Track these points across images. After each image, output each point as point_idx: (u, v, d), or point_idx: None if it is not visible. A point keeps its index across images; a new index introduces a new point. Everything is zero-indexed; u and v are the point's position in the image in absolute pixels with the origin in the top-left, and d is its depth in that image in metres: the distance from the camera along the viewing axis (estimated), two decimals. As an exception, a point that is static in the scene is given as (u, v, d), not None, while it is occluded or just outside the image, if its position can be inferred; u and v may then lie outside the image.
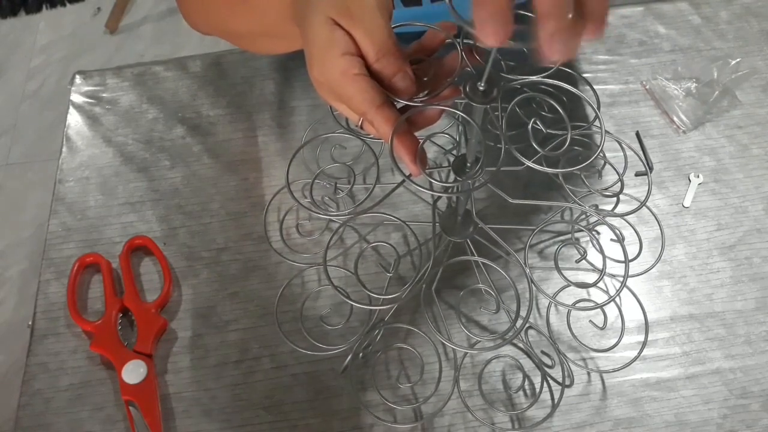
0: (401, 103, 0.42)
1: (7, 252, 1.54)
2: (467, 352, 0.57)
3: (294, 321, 0.59)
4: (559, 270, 0.52)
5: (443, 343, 0.57)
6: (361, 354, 0.57)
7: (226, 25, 0.58)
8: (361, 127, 0.42)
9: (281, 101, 0.74)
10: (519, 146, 0.43)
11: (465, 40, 0.44)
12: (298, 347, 0.57)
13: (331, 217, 0.64)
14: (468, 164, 0.47)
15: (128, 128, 0.73)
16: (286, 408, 0.57)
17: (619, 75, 0.74)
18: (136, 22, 1.96)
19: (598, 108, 0.54)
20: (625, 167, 0.61)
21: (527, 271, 0.50)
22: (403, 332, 0.58)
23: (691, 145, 0.69)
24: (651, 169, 0.67)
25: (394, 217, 0.54)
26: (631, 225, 0.62)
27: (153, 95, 0.75)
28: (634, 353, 0.56)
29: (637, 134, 0.70)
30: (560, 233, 0.63)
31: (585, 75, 0.74)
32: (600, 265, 0.59)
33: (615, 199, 0.63)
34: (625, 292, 0.60)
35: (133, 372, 0.57)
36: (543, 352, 0.57)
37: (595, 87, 0.72)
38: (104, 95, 0.75)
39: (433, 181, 0.43)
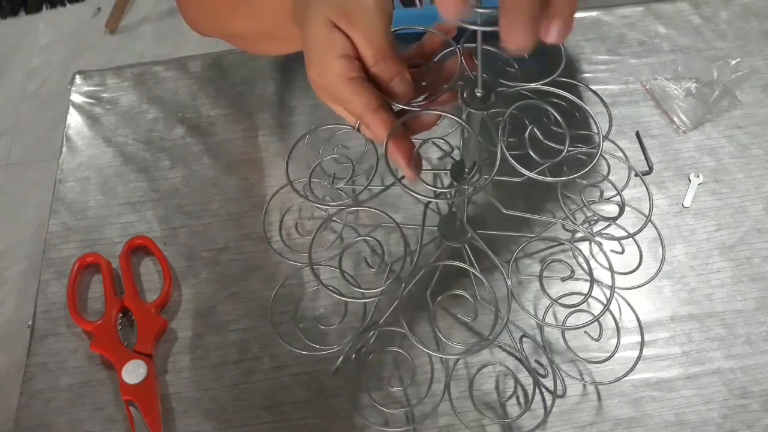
0: (399, 107, 0.42)
1: (7, 252, 1.54)
2: (459, 358, 0.57)
3: (298, 320, 0.59)
4: (543, 289, 0.52)
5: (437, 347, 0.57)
6: (354, 355, 0.57)
7: (227, 26, 0.58)
8: (359, 130, 0.42)
9: (281, 101, 0.74)
10: (521, 153, 0.42)
11: (465, 45, 0.44)
12: (294, 348, 0.57)
13: (322, 206, 0.64)
14: (466, 170, 0.47)
15: (128, 128, 0.73)
16: (286, 408, 0.57)
17: (619, 75, 0.74)
18: (136, 22, 1.96)
19: (609, 123, 0.53)
20: (626, 182, 0.61)
21: (508, 283, 0.50)
22: (398, 335, 0.58)
23: (691, 145, 0.69)
24: (651, 169, 0.67)
25: (390, 217, 0.53)
26: (630, 234, 0.62)
27: (153, 95, 0.75)
28: (634, 353, 0.56)
29: (637, 134, 0.70)
30: (560, 242, 0.63)
31: (585, 75, 0.74)
32: (601, 275, 0.59)
33: (615, 199, 0.63)
34: (623, 301, 0.59)
35: (133, 372, 0.57)
36: (537, 362, 0.56)
37: (595, 87, 0.73)
38: (104, 95, 0.75)
39: (427, 185, 0.42)
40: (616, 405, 0.55)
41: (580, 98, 0.45)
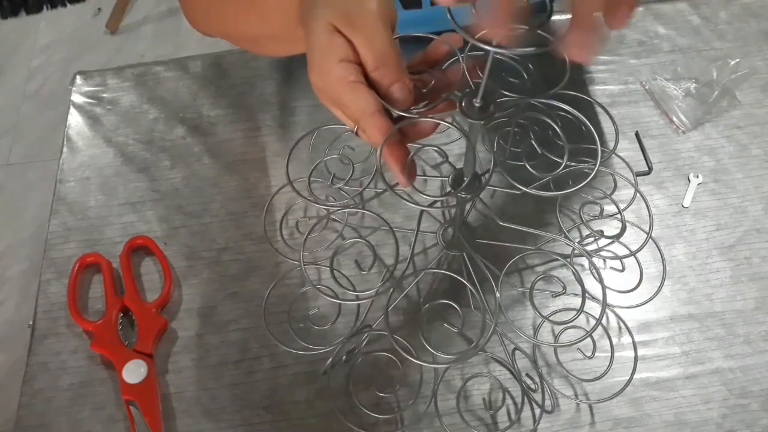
0: (398, 113, 0.41)
1: (7, 252, 1.54)
2: (447, 367, 0.57)
3: (296, 320, 0.59)
4: (533, 304, 0.52)
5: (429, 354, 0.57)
6: (344, 357, 0.57)
7: (232, 28, 0.58)
8: (357, 134, 0.42)
9: (282, 101, 0.74)
10: (522, 164, 0.42)
11: (470, 53, 0.43)
12: (289, 347, 0.57)
13: (319, 205, 0.64)
14: (465, 179, 0.47)
15: (129, 128, 0.73)
16: (286, 408, 0.57)
17: (618, 75, 0.74)
18: (137, 23, 1.96)
19: (616, 139, 0.53)
20: (631, 201, 0.61)
21: (497, 296, 0.49)
22: (390, 339, 0.58)
23: (691, 145, 0.69)
24: (651, 169, 0.67)
25: (385, 221, 0.53)
26: (629, 250, 0.62)
27: (154, 95, 0.75)
28: (630, 363, 0.56)
29: (637, 134, 0.70)
30: (558, 257, 0.62)
31: (585, 75, 0.74)
32: (598, 291, 0.59)
33: (618, 212, 0.63)
34: (620, 319, 0.59)
35: (134, 372, 0.57)
36: (527, 375, 0.56)
37: (594, 87, 0.73)
38: (105, 95, 0.75)
39: (421, 193, 0.42)
40: (615, 405, 0.56)
41: (588, 108, 0.45)
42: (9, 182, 1.67)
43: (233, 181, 0.69)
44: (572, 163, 0.48)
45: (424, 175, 0.67)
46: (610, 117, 0.51)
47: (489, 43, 0.33)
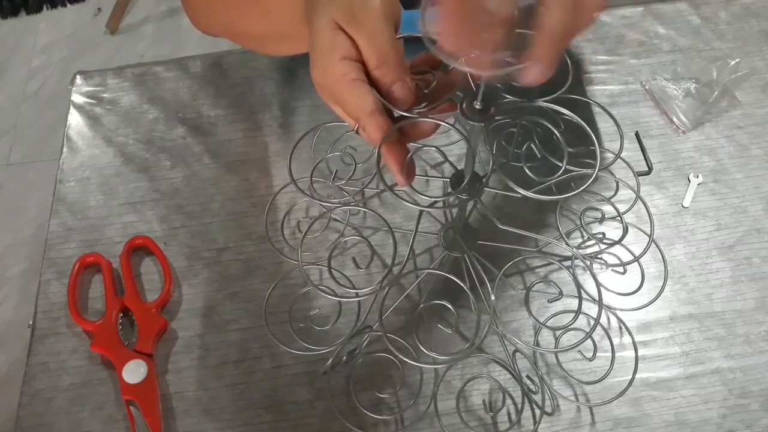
0: (399, 113, 0.41)
1: (7, 252, 1.54)
2: (448, 367, 0.57)
3: (297, 320, 0.59)
4: (528, 309, 0.52)
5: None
6: (344, 358, 0.57)
7: (236, 26, 0.58)
8: (357, 132, 0.42)
9: (282, 101, 0.74)
10: (523, 166, 0.42)
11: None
12: (289, 348, 0.57)
13: (320, 202, 0.64)
14: (465, 180, 0.47)
15: (129, 128, 0.73)
16: (287, 408, 0.57)
17: (618, 75, 0.74)
18: (137, 23, 1.96)
19: (621, 144, 0.53)
20: (632, 205, 0.61)
21: (492, 298, 0.49)
22: (392, 340, 0.58)
23: (691, 145, 0.69)
24: (651, 169, 0.67)
25: (385, 221, 0.53)
26: (632, 253, 0.62)
27: (153, 95, 0.75)
28: (630, 364, 0.56)
29: (637, 134, 0.70)
30: (559, 259, 0.62)
31: (585, 75, 0.74)
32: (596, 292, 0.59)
33: (616, 216, 0.63)
34: (625, 318, 0.59)
35: (134, 372, 0.57)
36: (528, 377, 0.56)
37: (594, 87, 0.73)
38: (105, 95, 0.75)
39: (420, 194, 0.42)
40: (615, 405, 0.56)
41: (587, 108, 0.45)
42: (9, 182, 1.67)
43: (233, 181, 0.69)
44: (572, 168, 0.48)
45: (426, 175, 0.67)
46: (614, 120, 0.50)
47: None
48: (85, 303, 0.62)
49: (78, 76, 0.77)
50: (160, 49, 1.88)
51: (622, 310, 0.59)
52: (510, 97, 0.46)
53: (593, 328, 0.48)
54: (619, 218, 0.61)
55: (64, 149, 0.72)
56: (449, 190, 0.48)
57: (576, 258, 0.61)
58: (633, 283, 0.60)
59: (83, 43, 1.93)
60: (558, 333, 0.58)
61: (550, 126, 0.44)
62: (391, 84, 0.40)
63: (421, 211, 0.58)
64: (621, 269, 0.61)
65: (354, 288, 0.60)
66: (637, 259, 0.59)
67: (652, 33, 0.78)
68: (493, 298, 0.49)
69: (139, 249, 0.65)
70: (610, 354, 0.57)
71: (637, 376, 0.56)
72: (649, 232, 0.58)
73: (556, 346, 0.57)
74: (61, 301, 0.62)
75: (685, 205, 0.66)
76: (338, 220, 0.65)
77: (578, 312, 0.48)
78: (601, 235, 0.61)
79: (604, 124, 0.69)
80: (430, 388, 0.56)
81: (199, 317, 0.61)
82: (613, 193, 0.65)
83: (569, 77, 0.44)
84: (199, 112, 0.74)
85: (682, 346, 0.58)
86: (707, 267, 0.62)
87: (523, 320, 0.60)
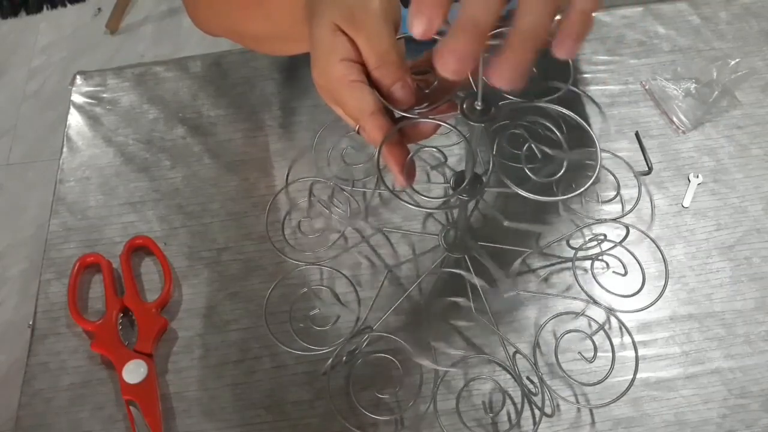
0: (400, 113, 0.41)
1: (7, 252, 1.54)
2: (448, 370, 0.57)
3: (297, 320, 0.59)
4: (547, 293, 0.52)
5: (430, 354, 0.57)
6: (344, 358, 0.57)
7: (239, 27, 0.58)
8: (358, 133, 0.42)
9: (282, 101, 0.74)
10: (527, 166, 0.42)
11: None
12: (289, 348, 0.57)
13: (329, 211, 0.64)
14: (465, 181, 0.47)
15: (129, 128, 0.73)
16: (287, 408, 0.57)
17: (618, 75, 0.74)
18: (137, 23, 1.96)
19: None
20: (634, 205, 0.61)
21: (487, 306, 0.49)
22: (390, 340, 0.58)
23: (691, 145, 0.69)
24: (650, 169, 0.67)
25: (376, 228, 0.53)
26: (633, 254, 0.62)
27: (154, 95, 0.75)
28: (631, 365, 0.56)
29: (637, 134, 0.70)
30: (561, 259, 0.62)
31: (584, 75, 0.74)
32: (602, 295, 0.59)
33: (617, 216, 0.63)
34: (625, 318, 0.59)
35: (134, 372, 0.57)
36: (528, 378, 0.56)
37: (594, 87, 0.73)
38: (105, 95, 0.75)
39: (422, 195, 0.42)
40: (615, 405, 0.55)
41: (587, 108, 0.45)
42: (9, 182, 1.67)
43: (233, 181, 0.69)
44: (575, 156, 0.48)
45: (428, 180, 0.67)
46: (598, 106, 0.50)
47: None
48: (85, 303, 0.62)
49: (78, 76, 0.77)
50: (160, 49, 1.89)
51: (623, 311, 0.59)
52: (511, 98, 0.46)
53: (596, 331, 0.48)
54: (620, 217, 0.61)
55: (64, 149, 0.72)
56: (450, 190, 0.48)
57: (589, 256, 0.61)
58: (633, 282, 0.60)
59: (83, 43, 1.93)
60: (560, 332, 0.58)
61: (554, 127, 0.44)
62: (391, 84, 0.40)
63: (427, 214, 0.58)
64: (622, 270, 0.61)
65: (356, 289, 0.60)
66: (641, 266, 0.58)
67: (652, 33, 0.78)
68: (488, 304, 0.49)
69: (139, 249, 0.65)
70: (608, 354, 0.57)
71: (637, 376, 0.56)
72: (646, 232, 0.58)
73: (556, 347, 0.57)
74: (61, 301, 0.62)
75: (685, 205, 0.66)
76: (340, 220, 0.65)
77: (584, 310, 0.48)
78: (603, 236, 0.61)
79: (603, 124, 0.69)
80: (430, 389, 0.56)
81: (199, 317, 0.61)
82: (615, 193, 0.65)
83: (570, 78, 0.44)
84: (199, 112, 0.74)
85: (682, 346, 0.58)
86: (707, 267, 0.62)
87: (523, 320, 0.60)
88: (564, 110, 0.42)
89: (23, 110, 1.79)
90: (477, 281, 0.54)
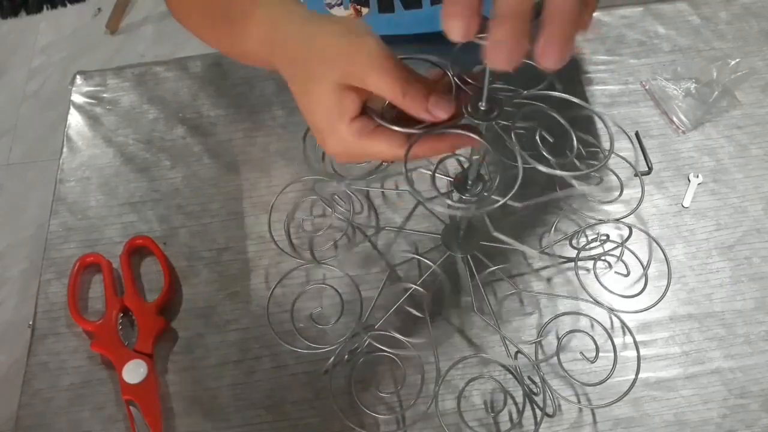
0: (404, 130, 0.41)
1: (7, 252, 1.54)
2: (450, 367, 0.57)
3: (298, 320, 0.59)
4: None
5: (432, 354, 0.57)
6: (346, 356, 0.57)
7: (209, 42, 0.57)
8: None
9: (282, 101, 0.74)
10: (527, 166, 0.42)
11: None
12: (292, 346, 0.57)
13: (329, 208, 0.64)
14: (469, 182, 0.47)
15: (129, 128, 0.73)
16: (287, 408, 0.57)
17: (618, 75, 0.74)
18: (137, 23, 1.96)
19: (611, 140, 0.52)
20: (636, 206, 0.61)
21: (489, 306, 0.49)
22: (392, 339, 0.58)
23: (691, 145, 0.69)
24: (651, 169, 0.67)
25: (378, 227, 0.53)
26: (635, 255, 0.62)
27: (154, 95, 0.75)
28: (632, 364, 0.56)
29: (637, 134, 0.70)
30: (564, 260, 0.62)
31: (585, 75, 0.74)
32: (604, 295, 0.59)
33: (619, 217, 0.63)
34: (626, 318, 0.59)
35: (134, 372, 0.57)
36: (529, 378, 0.56)
37: (594, 87, 0.73)
38: (105, 95, 0.75)
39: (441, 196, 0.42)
40: (615, 405, 0.55)
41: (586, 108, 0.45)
42: (9, 182, 1.67)
43: (233, 181, 0.69)
44: (581, 164, 0.48)
45: (431, 179, 0.67)
46: (592, 111, 0.50)
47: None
48: (85, 303, 0.62)
49: (78, 76, 0.77)
50: (160, 49, 1.88)
51: (625, 312, 0.59)
52: (511, 95, 0.46)
53: (605, 331, 0.48)
54: (621, 218, 0.61)
55: (64, 149, 0.72)
56: (452, 190, 0.48)
57: (591, 257, 0.61)
58: (634, 282, 0.60)
59: (83, 43, 1.93)
60: (562, 333, 0.58)
61: (563, 121, 0.44)
62: (426, 100, 0.39)
63: (428, 213, 0.58)
64: (624, 271, 0.61)
65: (358, 289, 0.60)
66: (645, 270, 0.58)
67: (652, 33, 0.78)
68: (491, 302, 0.49)
69: (139, 249, 0.65)
70: (609, 354, 0.57)
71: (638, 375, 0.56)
72: (649, 233, 0.58)
73: (558, 347, 0.57)
74: (61, 301, 0.62)
75: (685, 205, 0.66)
76: (341, 219, 0.65)
77: (592, 310, 0.48)
78: (605, 237, 0.61)
79: (602, 124, 0.69)
80: (431, 388, 0.56)
81: (199, 317, 0.61)
82: (618, 193, 0.65)
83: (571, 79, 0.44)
84: (199, 112, 0.74)
85: (682, 346, 0.58)
86: (707, 267, 0.62)
87: (524, 320, 0.60)
88: (574, 98, 0.42)
89: (23, 110, 1.79)
90: (479, 281, 0.54)
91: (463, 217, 0.54)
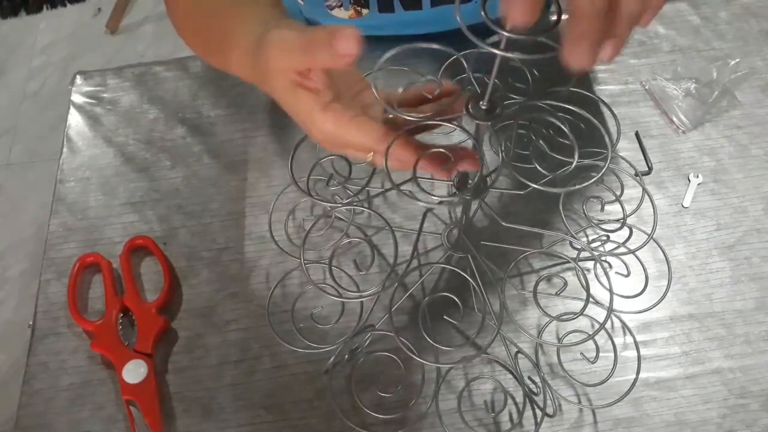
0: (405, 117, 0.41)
1: (7, 252, 1.54)
2: (451, 367, 0.57)
3: (298, 320, 0.59)
4: (537, 302, 0.52)
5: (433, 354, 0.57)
6: (346, 356, 0.57)
7: (203, 57, 0.57)
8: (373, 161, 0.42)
9: (281, 101, 0.74)
10: (528, 166, 0.42)
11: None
12: (292, 346, 0.57)
13: (324, 203, 0.65)
14: (470, 180, 0.47)
15: (129, 128, 0.73)
16: (287, 407, 0.57)
17: (618, 75, 0.74)
18: (137, 23, 1.96)
19: (618, 135, 0.53)
20: (638, 206, 0.61)
21: (502, 299, 0.49)
22: (393, 339, 0.58)
23: (691, 145, 0.69)
24: (651, 169, 0.67)
25: (386, 221, 0.53)
26: (635, 255, 0.62)
27: (153, 95, 0.75)
28: (633, 364, 0.56)
29: (637, 134, 0.70)
30: (565, 259, 0.62)
31: (585, 75, 0.74)
32: (602, 294, 0.59)
33: (619, 217, 0.63)
34: (626, 319, 0.59)
35: (134, 372, 0.57)
36: (530, 378, 0.56)
37: (594, 87, 0.73)
38: (105, 95, 0.75)
39: (429, 194, 0.42)
40: (615, 405, 0.55)
41: (588, 108, 0.45)
42: (9, 182, 1.67)
43: (233, 181, 0.69)
44: (581, 161, 0.48)
45: (432, 178, 0.67)
46: (611, 111, 0.50)
47: (497, 47, 0.33)
48: (85, 303, 0.62)
49: (78, 76, 0.77)
50: (160, 49, 1.88)
51: (626, 312, 0.59)
52: (516, 97, 0.46)
53: (600, 328, 0.48)
54: (622, 217, 0.61)
55: (64, 149, 0.72)
56: (453, 189, 0.48)
57: (584, 258, 0.61)
58: (634, 283, 0.60)
59: (83, 43, 1.93)
60: (562, 333, 0.58)
61: (558, 122, 0.44)
62: (329, 35, 0.36)
63: (426, 211, 0.58)
64: (624, 270, 0.61)
65: (357, 288, 0.60)
66: (646, 273, 0.58)
67: (652, 33, 0.78)
68: (503, 299, 0.49)
69: (139, 249, 0.65)
70: (610, 354, 0.57)
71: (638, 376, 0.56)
72: (649, 233, 0.58)
73: (557, 355, 0.57)
74: (61, 301, 0.62)
75: (685, 205, 0.66)
76: (343, 219, 0.65)
77: (584, 308, 0.48)
78: (605, 237, 0.61)
79: (602, 124, 0.69)
80: (432, 388, 0.56)
81: (199, 317, 0.61)
82: (619, 193, 0.65)
83: (572, 77, 0.44)
84: (199, 112, 0.74)
85: (682, 346, 0.58)
86: (707, 267, 0.62)
87: (525, 320, 0.60)
88: (572, 107, 0.42)
89: (23, 110, 1.79)
90: (479, 281, 0.54)
91: (464, 217, 0.54)
